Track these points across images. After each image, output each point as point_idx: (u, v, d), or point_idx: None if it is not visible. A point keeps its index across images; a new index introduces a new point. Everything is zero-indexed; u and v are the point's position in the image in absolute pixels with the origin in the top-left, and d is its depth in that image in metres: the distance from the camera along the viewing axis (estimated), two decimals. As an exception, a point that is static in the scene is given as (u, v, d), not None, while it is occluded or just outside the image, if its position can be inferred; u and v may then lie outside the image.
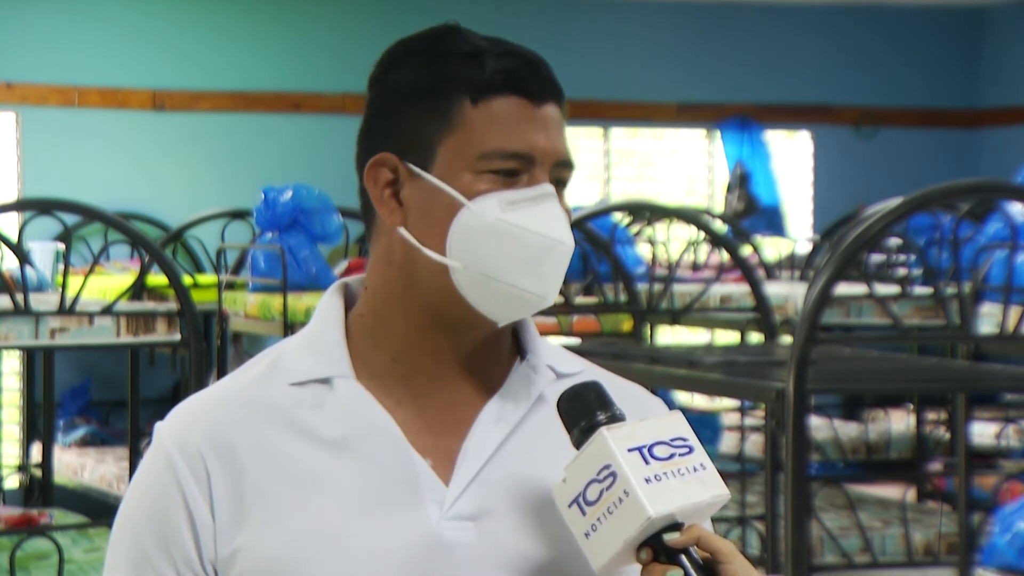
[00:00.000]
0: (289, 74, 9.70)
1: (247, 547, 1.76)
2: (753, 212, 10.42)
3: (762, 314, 5.84)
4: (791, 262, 8.40)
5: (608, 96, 10.22)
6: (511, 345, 1.88)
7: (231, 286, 6.66)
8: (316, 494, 1.77)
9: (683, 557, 1.67)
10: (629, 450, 1.69)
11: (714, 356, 4.33)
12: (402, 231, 1.81)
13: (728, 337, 7.69)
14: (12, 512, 6.10)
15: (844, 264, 3.82)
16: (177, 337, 4.73)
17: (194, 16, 9.53)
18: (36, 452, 7.41)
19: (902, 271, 6.10)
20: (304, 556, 1.75)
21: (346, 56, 9.65)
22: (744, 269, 6.08)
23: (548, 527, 1.77)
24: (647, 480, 1.67)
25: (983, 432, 7.42)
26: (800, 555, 3.66)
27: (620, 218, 6.97)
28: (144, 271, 5.72)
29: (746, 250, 7.85)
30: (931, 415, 7.28)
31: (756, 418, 7.23)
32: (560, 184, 1.82)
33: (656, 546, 1.68)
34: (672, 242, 7.02)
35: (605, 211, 6.65)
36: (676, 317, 6.26)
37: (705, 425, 6.97)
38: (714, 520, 1.85)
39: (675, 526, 1.68)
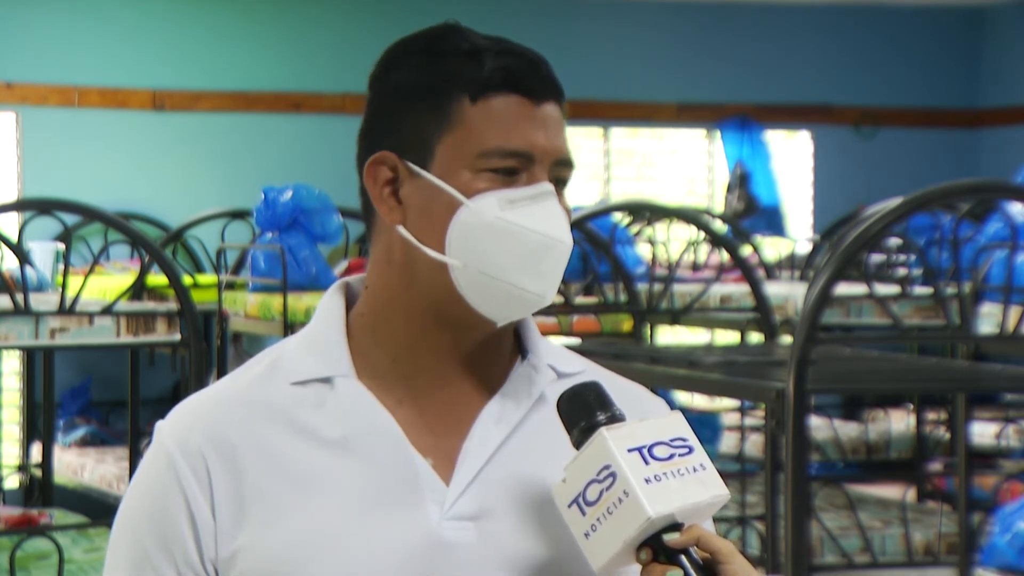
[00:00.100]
0: (289, 74, 9.70)
1: (248, 547, 1.76)
2: (753, 212, 10.42)
3: (762, 314, 5.84)
4: (791, 262, 8.40)
5: (608, 96, 10.22)
6: (512, 345, 1.87)
7: (231, 286, 6.66)
8: (317, 494, 1.77)
9: (683, 557, 1.67)
10: (629, 450, 1.69)
11: (714, 356, 4.33)
12: (401, 230, 1.81)
13: (728, 337, 7.69)
14: (12, 512, 6.10)
15: (844, 264, 3.82)
16: (177, 337, 4.73)
17: (194, 16, 9.53)
18: (36, 452, 7.41)
19: (902, 271, 6.10)
20: (304, 556, 1.75)
21: (346, 56, 9.65)
22: (744, 269, 6.08)
23: (548, 527, 1.77)
24: (647, 480, 1.67)
25: (983, 432, 7.42)
26: (800, 555, 3.66)
27: (620, 218, 6.97)
28: (144, 271, 5.72)
29: (746, 250, 7.85)
30: (931, 415, 7.28)
31: (756, 418, 7.23)
32: (560, 183, 1.81)
33: (656, 546, 1.68)
34: (672, 242, 7.02)
35: (605, 211, 6.65)
36: (676, 317, 6.26)
37: (705, 425, 6.97)
38: (714, 520, 1.85)
39: (675, 526, 1.68)
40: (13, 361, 8.43)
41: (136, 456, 5.53)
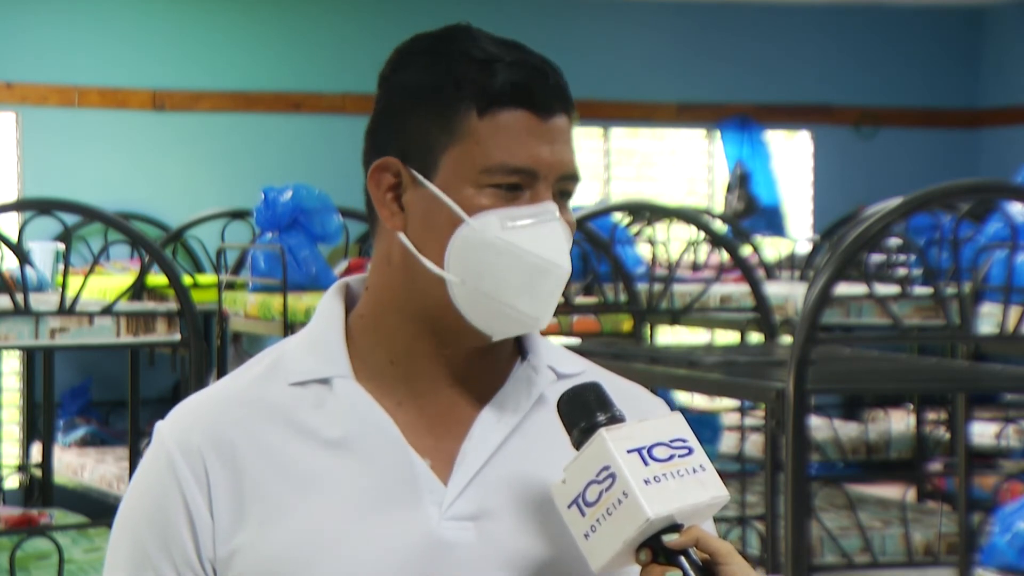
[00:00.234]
0: (289, 74, 9.70)
1: (246, 547, 1.76)
2: (753, 212, 10.42)
3: (762, 314, 5.84)
4: (791, 262, 8.40)
5: (608, 96, 10.22)
6: (512, 346, 1.87)
7: (231, 286, 6.66)
8: (315, 494, 1.77)
9: (682, 558, 1.67)
10: (628, 451, 1.69)
11: (714, 356, 4.33)
12: (402, 236, 1.80)
13: (728, 337, 7.69)
14: (12, 512, 6.10)
15: (844, 264, 3.82)
16: (177, 337, 4.73)
17: (194, 16, 9.53)
18: (36, 452, 7.41)
19: (902, 271, 6.10)
20: (303, 556, 1.75)
21: (346, 56, 9.65)
22: (744, 269, 6.08)
23: (548, 528, 1.77)
24: (646, 481, 1.67)
25: (983, 432, 7.42)
26: (800, 555, 3.66)
27: (620, 218, 6.97)
28: (144, 271, 5.71)
29: (746, 250, 7.85)
30: (931, 415, 7.28)
31: (756, 418, 7.22)
32: (564, 195, 1.81)
33: (655, 547, 1.68)
34: (672, 242, 7.02)
35: (605, 211, 6.65)
36: (676, 317, 6.26)
37: (705, 425, 6.97)
38: (715, 520, 1.85)
39: (674, 527, 1.68)
40: (13, 361, 8.43)
41: (136, 456, 5.53)
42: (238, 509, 1.77)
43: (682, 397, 7.83)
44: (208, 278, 7.53)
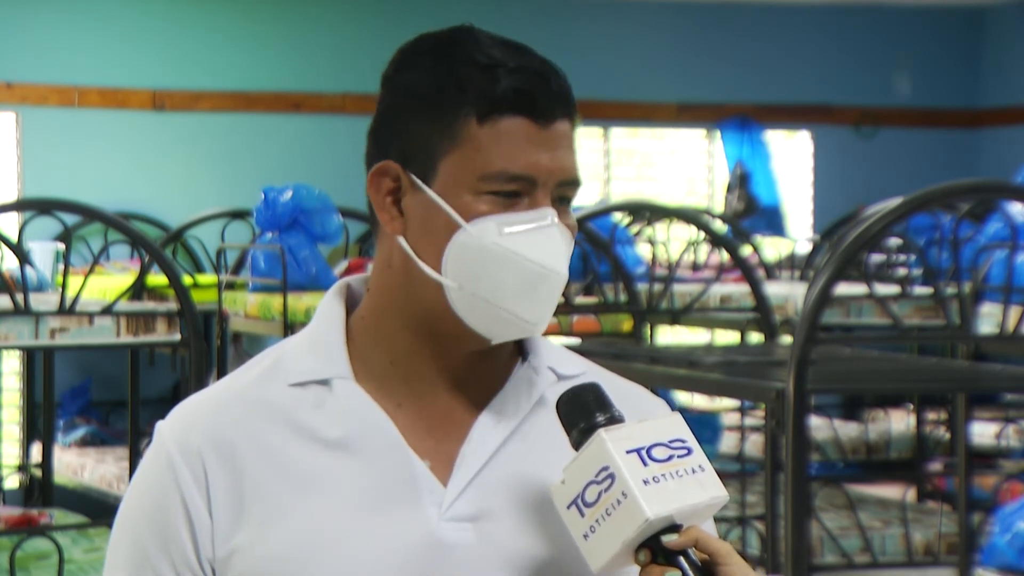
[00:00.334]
0: (289, 74, 9.70)
1: (245, 547, 1.76)
2: (753, 212, 10.42)
3: (762, 314, 5.84)
4: (791, 262, 8.40)
5: (608, 96, 10.22)
6: (513, 346, 1.87)
7: (231, 286, 6.66)
8: (315, 494, 1.77)
9: (681, 559, 1.67)
10: (627, 452, 1.69)
11: (714, 356, 4.33)
12: (401, 240, 1.80)
13: (728, 337, 7.69)
14: (12, 512, 6.10)
15: (844, 264, 3.82)
16: (177, 337, 4.73)
17: (194, 16, 9.53)
18: (36, 452, 7.41)
19: (902, 271, 6.10)
20: (303, 556, 1.75)
21: (346, 56, 9.65)
22: (744, 269, 6.07)
23: (548, 528, 1.77)
24: (645, 482, 1.67)
25: (983, 432, 7.42)
26: (800, 555, 3.66)
27: (620, 218, 6.97)
28: (144, 271, 5.71)
29: (746, 250, 7.85)
30: (931, 415, 7.28)
31: (756, 418, 7.22)
32: (564, 201, 1.80)
33: (654, 547, 1.68)
34: (672, 242, 7.02)
35: (605, 211, 6.65)
36: (676, 317, 6.26)
37: (705, 425, 6.97)
38: (715, 520, 1.85)
39: (673, 527, 1.68)
40: (13, 361, 8.43)
41: (136, 456, 5.53)
42: (237, 509, 1.77)
43: (682, 397, 7.83)
44: (208, 278, 7.53)
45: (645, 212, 7.01)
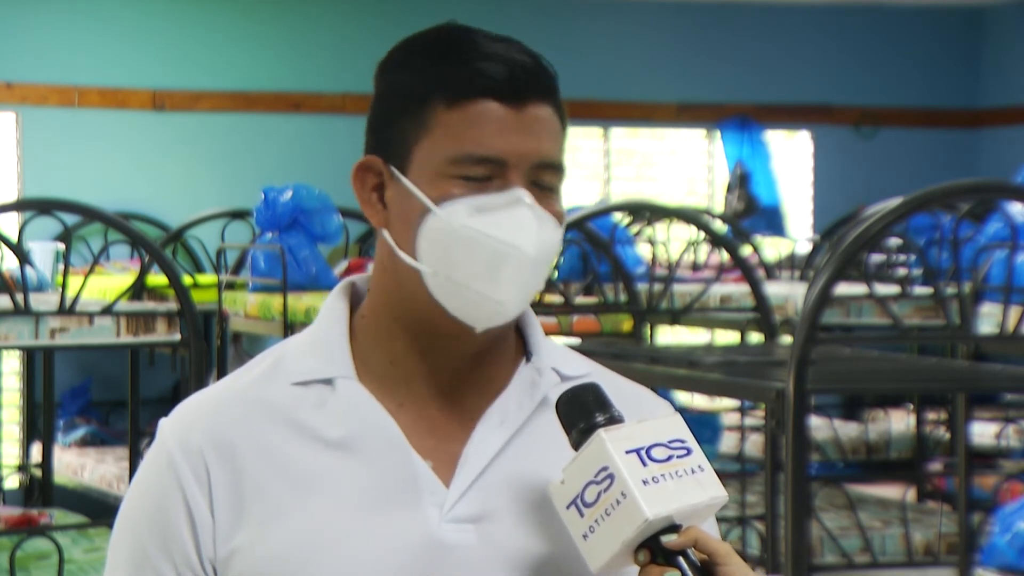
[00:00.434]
0: (289, 74, 9.70)
1: (246, 546, 1.76)
2: (753, 212, 10.42)
3: (762, 314, 5.84)
4: (791, 262, 8.40)
5: (608, 96, 10.22)
6: (516, 346, 1.87)
7: (231, 286, 6.66)
8: (316, 494, 1.77)
9: (680, 559, 1.67)
10: (627, 452, 1.68)
11: (714, 356, 4.33)
12: (385, 233, 1.81)
13: (728, 337, 7.69)
14: (12, 512, 6.10)
15: (844, 264, 3.82)
16: (177, 337, 4.73)
17: (194, 16, 9.53)
18: (36, 452, 7.41)
19: (902, 271, 6.10)
20: (303, 556, 1.75)
21: (346, 56, 9.65)
22: (744, 269, 6.07)
23: (549, 529, 1.77)
24: (644, 482, 1.67)
25: (983, 432, 7.42)
26: (800, 555, 3.66)
27: (620, 218, 6.96)
28: (144, 271, 5.71)
29: (746, 250, 7.85)
30: (931, 415, 7.28)
31: (756, 418, 7.22)
32: (542, 187, 1.79)
33: (654, 547, 1.68)
34: (672, 242, 7.02)
35: (605, 211, 6.65)
36: (676, 317, 6.26)
37: (705, 425, 6.97)
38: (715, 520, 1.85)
39: (673, 528, 1.68)
40: (13, 361, 8.43)
41: (136, 456, 5.53)
42: (238, 509, 1.77)
43: (682, 397, 7.83)
44: (208, 278, 7.53)
45: (645, 212, 7.01)
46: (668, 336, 8.46)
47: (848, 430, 7.89)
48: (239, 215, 8.10)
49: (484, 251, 1.75)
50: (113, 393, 8.45)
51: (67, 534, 5.46)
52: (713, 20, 10.53)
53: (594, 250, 6.02)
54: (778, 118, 10.69)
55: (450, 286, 1.77)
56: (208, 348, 5.58)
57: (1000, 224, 5.42)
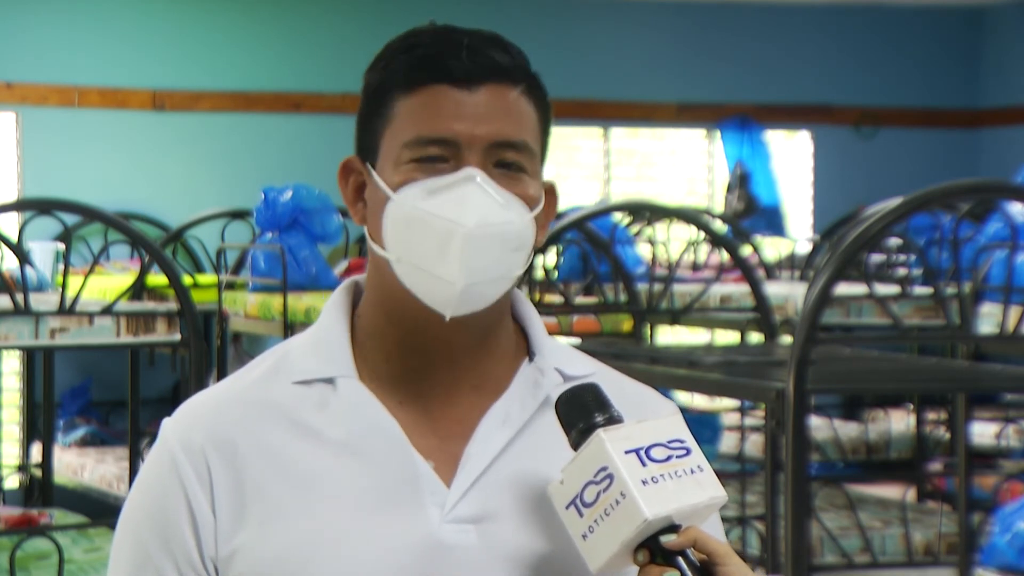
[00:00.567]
0: (289, 74, 9.70)
1: (247, 546, 1.76)
2: (753, 212, 10.42)
3: (762, 314, 5.83)
4: (791, 262, 8.40)
5: (608, 96, 10.22)
6: (519, 346, 1.87)
7: (231, 286, 6.66)
8: (317, 494, 1.77)
9: (680, 559, 1.67)
10: (626, 452, 1.68)
11: (714, 356, 4.33)
12: (365, 229, 1.84)
13: (728, 337, 7.69)
14: (12, 512, 6.10)
15: (844, 264, 3.82)
16: (177, 337, 4.73)
17: (194, 16, 9.53)
18: (36, 452, 7.41)
19: (902, 271, 6.10)
20: (304, 556, 1.75)
21: (346, 56, 9.65)
22: (744, 269, 6.07)
23: (550, 530, 1.77)
24: (644, 482, 1.67)
25: (983, 432, 7.42)
26: (800, 555, 3.66)
27: (620, 218, 6.96)
28: (144, 271, 5.71)
29: (746, 250, 7.85)
30: (931, 415, 7.28)
31: (756, 418, 7.22)
32: (505, 165, 1.78)
33: (653, 547, 1.68)
34: (672, 242, 7.02)
35: (605, 211, 6.65)
36: (676, 317, 6.26)
37: (705, 425, 6.97)
38: (714, 520, 1.85)
39: (672, 528, 1.68)
40: (13, 361, 8.43)
41: (136, 456, 5.53)
42: (239, 508, 1.78)
43: (682, 397, 7.83)
44: (208, 278, 7.53)
45: (645, 212, 7.00)
46: (668, 336, 8.46)
47: (848, 430, 7.89)
48: (239, 215, 8.11)
49: (432, 231, 1.76)
50: (113, 393, 8.45)
51: (67, 534, 5.46)
52: (713, 20, 10.52)
53: (594, 250, 6.02)
54: (778, 118, 10.69)
55: (413, 271, 1.78)
56: (208, 348, 5.58)
57: (1000, 224, 5.42)
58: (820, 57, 10.75)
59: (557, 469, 1.73)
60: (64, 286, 4.72)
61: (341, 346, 1.83)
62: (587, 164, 10.38)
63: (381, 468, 1.78)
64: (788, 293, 6.22)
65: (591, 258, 6.00)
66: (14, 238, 5.09)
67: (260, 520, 1.77)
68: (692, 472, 1.70)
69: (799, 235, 10.39)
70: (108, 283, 6.90)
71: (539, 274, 6.05)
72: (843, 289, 5.01)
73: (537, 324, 1.88)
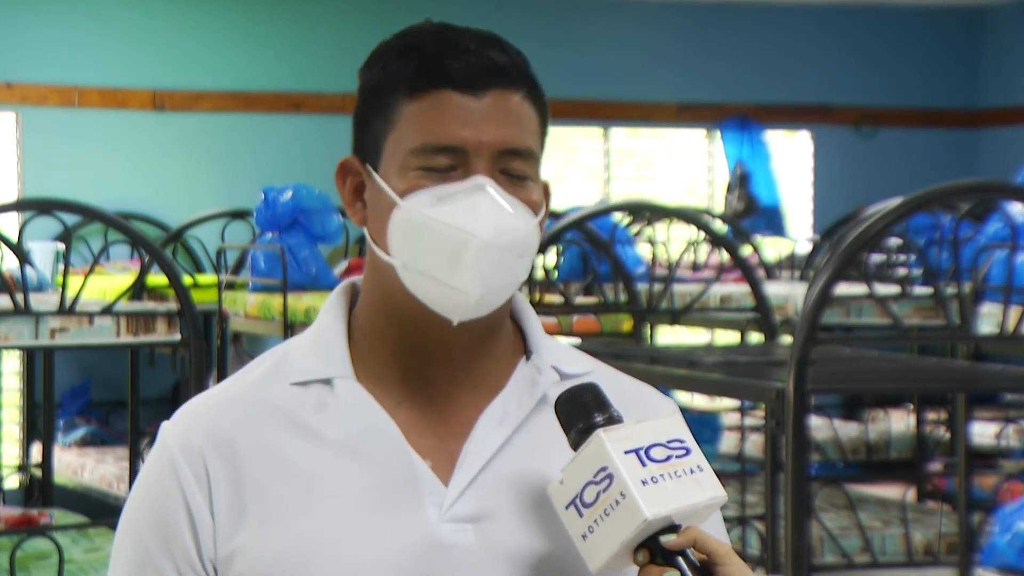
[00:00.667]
0: (289, 74, 9.70)
1: (246, 547, 1.77)
2: (753, 212, 10.42)
3: (762, 314, 5.83)
4: (791, 262, 8.40)
5: (608, 96, 10.22)
6: (516, 344, 1.87)
7: (231, 286, 6.66)
8: (315, 495, 1.77)
9: (680, 559, 1.67)
10: (626, 452, 1.68)
11: (714, 356, 4.33)
12: (366, 231, 1.83)
13: (728, 337, 7.69)
14: (12, 512, 6.10)
15: (844, 264, 3.82)
16: (177, 337, 4.73)
17: (194, 16, 9.53)
18: (36, 452, 7.41)
19: (902, 271, 6.10)
20: (303, 556, 1.75)
21: (346, 56, 9.57)
22: (744, 269, 6.07)
23: (548, 529, 1.77)
24: (643, 482, 1.67)
25: (983, 432, 7.42)
26: (800, 555, 3.66)
27: (620, 218, 6.96)
28: (144, 271, 5.71)
29: (746, 250, 7.85)
30: (931, 415, 7.28)
31: (756, 418, 7.22)
32: (512, 175, 1.78)
33: (653, 548, 1.68)
34: (672, 242, 7.02)
35: (605, 211, 6.65)
36: (676, 317, 6.26)
37: (705, 425, 6.97)
38: (713, 520, 1.84)
39: (672, 528, 1.68)
40: (13, 361, 8.43)
41: (136, 456, 5.53)
42: (238, 509, 1.78)
43: (682, 397, 7.83)
44: (208, 278, 7.53)
45: (645, 212, 7.00)
46: (668, 336, 8.46)
47: (848, 430, 7.89)
48: (239, 215, 8.11)
49: (443, 240, 1.75)
50: (113, 393, 8.45)
51: (67, 534, 5.46)
52: (713, 20, 10.52)
53: (594, 250, 6.02)
54: (778, 118, 10.69)
55: (420, 279, 1.77)
56: (208, 348, 5.57)
57: (1000, 224, 5.42)
58: (820, 57, 10.75)
59: (555, 468, 1.73)
60: (64, 286, 4.72)
61: (339, 347, 1.83)
62: (587, 164, 10.38)
63: (380, 468, 1.78)
64: (788, 293, 6.22)
65: (591, 258, 6.00)
66: (14, 238, 5.09)
67: (259, 520, 1.77)
68: (692, 472, 1.70)
69: (799, 235, 10.39)
70: (108, 283, 6.90)
71: (539, 274, 6.05)
72: (843, 289, 5.01)
73: (534, 322, 1.88)
